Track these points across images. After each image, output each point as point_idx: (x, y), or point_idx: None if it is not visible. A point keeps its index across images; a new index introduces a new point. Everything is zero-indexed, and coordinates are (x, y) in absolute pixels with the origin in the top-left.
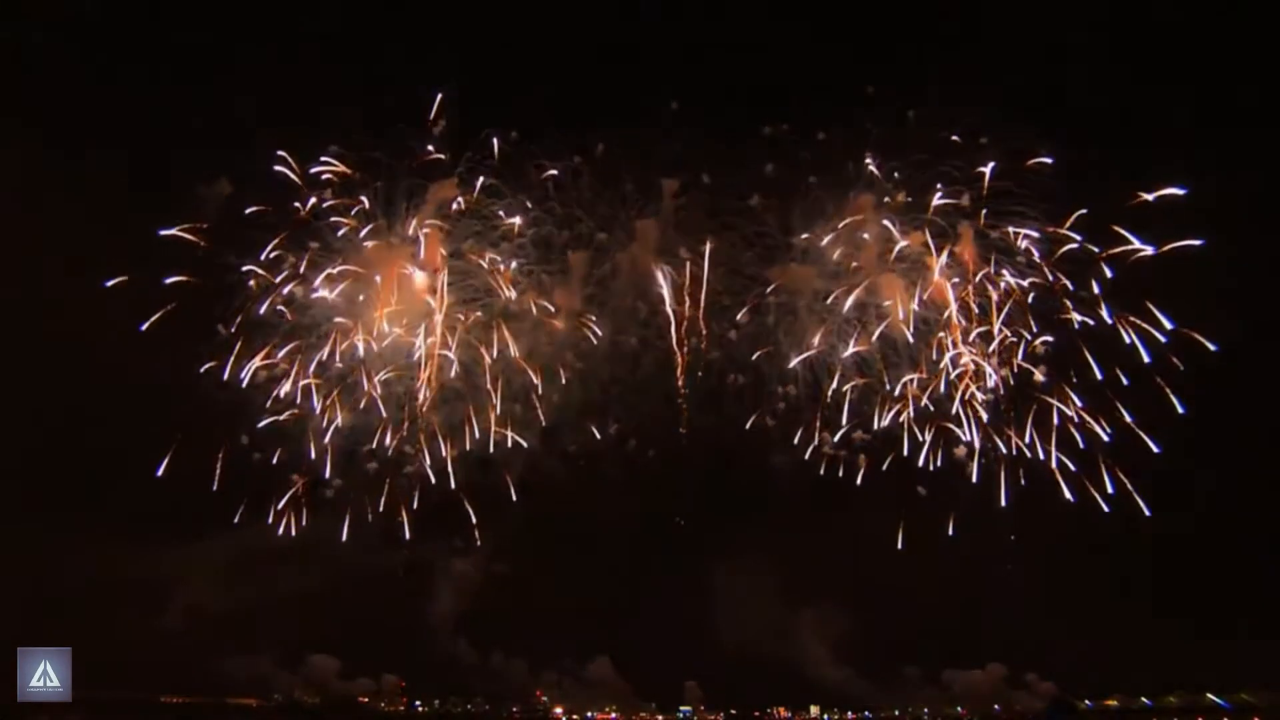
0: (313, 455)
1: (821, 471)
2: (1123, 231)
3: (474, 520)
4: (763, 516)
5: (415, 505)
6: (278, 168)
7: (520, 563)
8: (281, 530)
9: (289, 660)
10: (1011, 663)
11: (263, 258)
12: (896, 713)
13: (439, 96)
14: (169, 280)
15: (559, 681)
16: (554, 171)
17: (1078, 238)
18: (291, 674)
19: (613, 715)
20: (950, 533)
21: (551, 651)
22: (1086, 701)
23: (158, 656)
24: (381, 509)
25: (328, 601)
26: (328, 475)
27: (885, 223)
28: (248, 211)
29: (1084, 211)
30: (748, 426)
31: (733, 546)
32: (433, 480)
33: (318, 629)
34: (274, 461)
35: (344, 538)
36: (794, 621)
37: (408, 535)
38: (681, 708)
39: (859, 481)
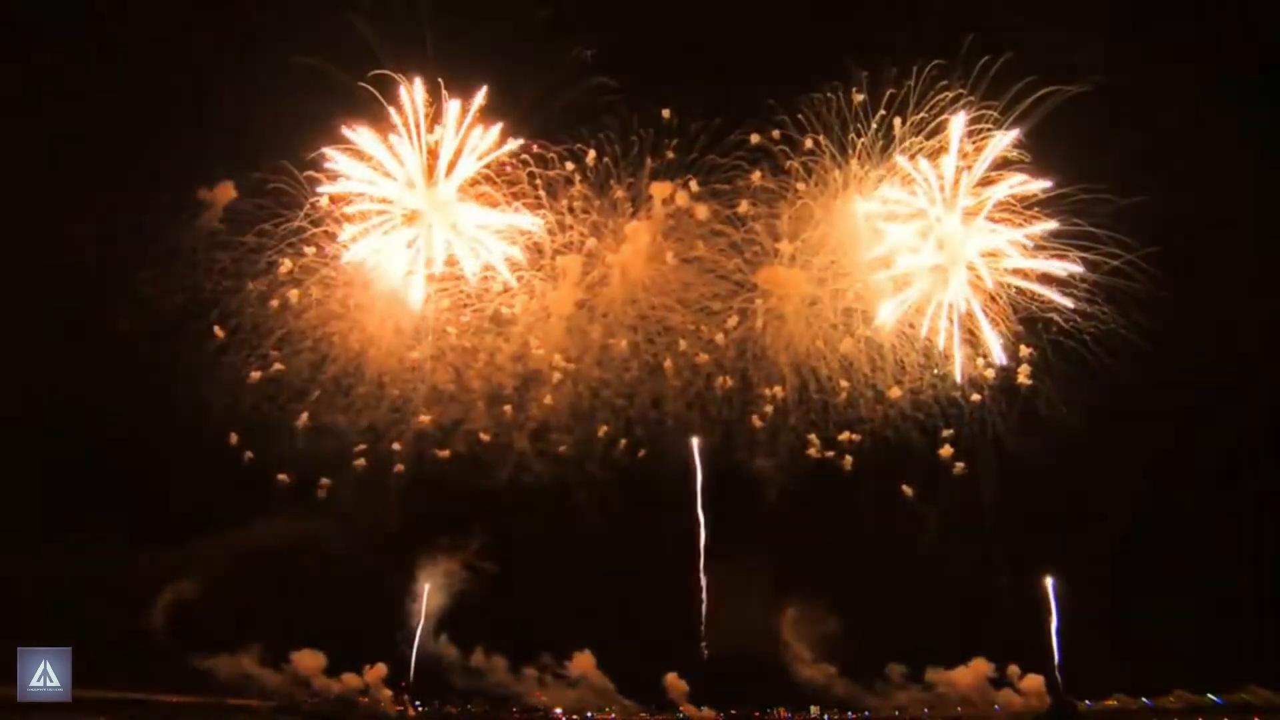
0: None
1: (808, 472)
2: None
3: (462, 520)
4: (750, 516)
5: (404, 505)
6: (274, 184)
7: (507, 561)
8: (271, 529)
9: (274, 658)
10: (995, 658)
11: (262, 263)
12: (896, 713)
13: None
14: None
15: (540, 678)
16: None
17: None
18: (277, 671)
19: (612, 716)
20: (936, 531)
21: (533, 648)
22: (1086, 701)
23: (143, 655)
24: (370, 508)
25: (314, 599)
26: (318, 475)
27: (871, 228)
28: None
29: (1065, 222)
30: (735, 428)
31: (719, 546)
32: (422, 480)
33: (303, 627)
34: (264, 461)
35: (333, 537)
36: (778, 619)
37: (396, 534)
38: (681, 708)
39: (845, 481)
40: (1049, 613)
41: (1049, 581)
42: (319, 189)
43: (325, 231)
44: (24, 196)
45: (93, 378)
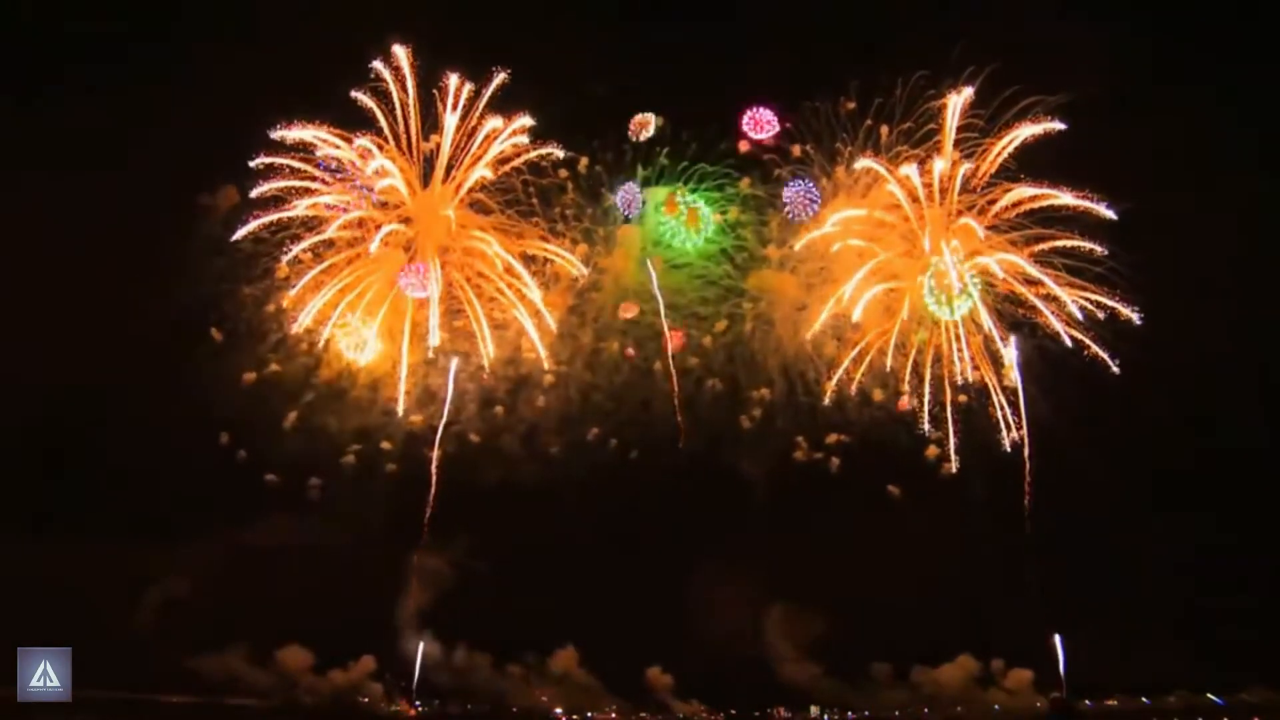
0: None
1: (795, 472)
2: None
3: (451, 519)
4: (737, 516)
5: (393, 504)
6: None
7: (495, 561)
8: (262, 528)
9: (261, 655)
10: (982, 657)
11: (259, 268)
12: (897, 714)
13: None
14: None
15: (525, 675)
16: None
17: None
18: (264, 669)
19: (612, 715)
20: (923, 532)
21: (518, 647)
22: (1086, 701)
23: (140, 655)
24: (360, 508)
25: (303, 597)
26: (310, 475)
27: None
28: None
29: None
30: (724, 429)
31: (706, 545)
32: (412, 480)
33: (291, 625)
34: (255, 461)
35: (322, 535)
36: (763, 619)
37: (384, 534)
38: (675, 708)
39: (833, 483)
40: (1045, 612)
41: (1044, 581)
42: (241, 228)
43: (322, 235)
44: (25, 198)
45: (92, 379)
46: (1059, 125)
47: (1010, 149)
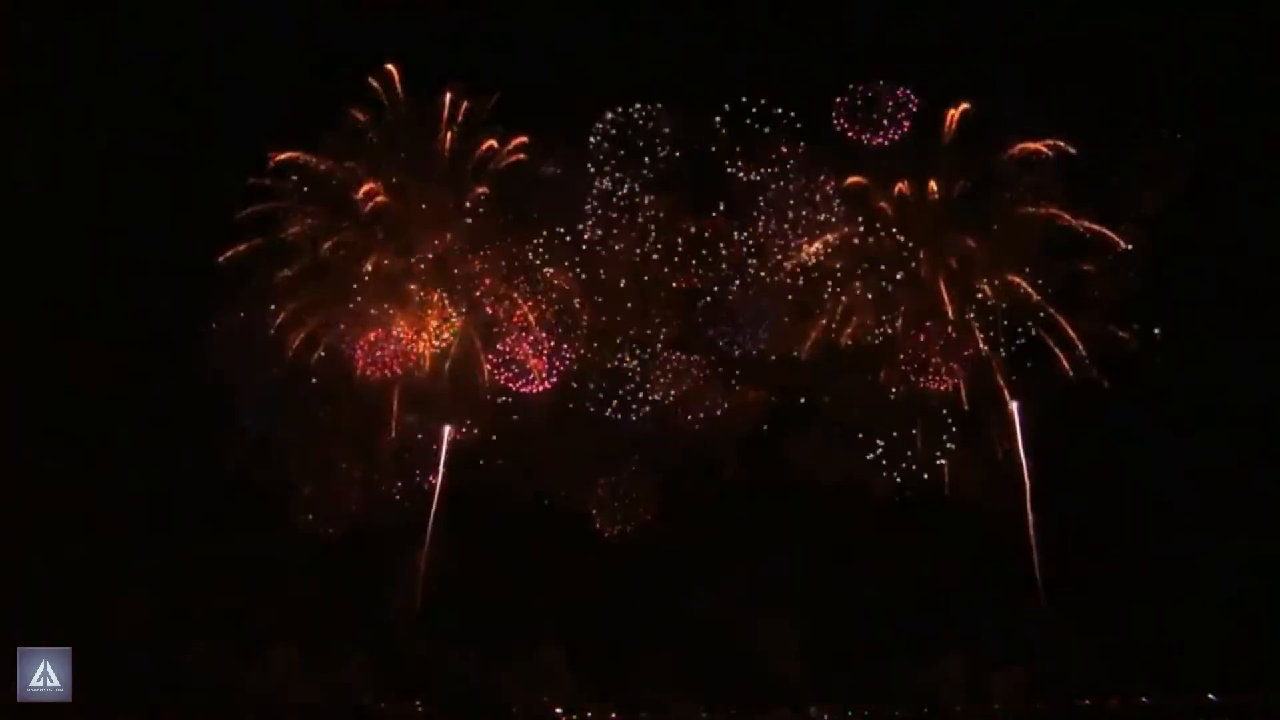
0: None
1: (786, 472)
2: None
3: (441, 518)
4: (728, 516)
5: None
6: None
7: (485, 560)
8: (254, 527)
9: (251, 655)
10: (974, 656)
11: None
12: (897, 713)
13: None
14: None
15: (513, 674)
16: None
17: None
18: (256, 669)
19: (613, 715)
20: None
21: (505, 646)
22: (1086, 701)
23: (130, 654)
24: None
25: (293, 596)
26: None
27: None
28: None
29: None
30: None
31: (697, 545)
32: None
33: (280, 623)
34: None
35: (312, 534)
36: (752, 617)
37: (377, 532)
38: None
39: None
40: (1041, 611)
41: (1040, 577)
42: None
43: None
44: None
45: (90, 380)
46: (1060, 141)
47: (1010, 161)
